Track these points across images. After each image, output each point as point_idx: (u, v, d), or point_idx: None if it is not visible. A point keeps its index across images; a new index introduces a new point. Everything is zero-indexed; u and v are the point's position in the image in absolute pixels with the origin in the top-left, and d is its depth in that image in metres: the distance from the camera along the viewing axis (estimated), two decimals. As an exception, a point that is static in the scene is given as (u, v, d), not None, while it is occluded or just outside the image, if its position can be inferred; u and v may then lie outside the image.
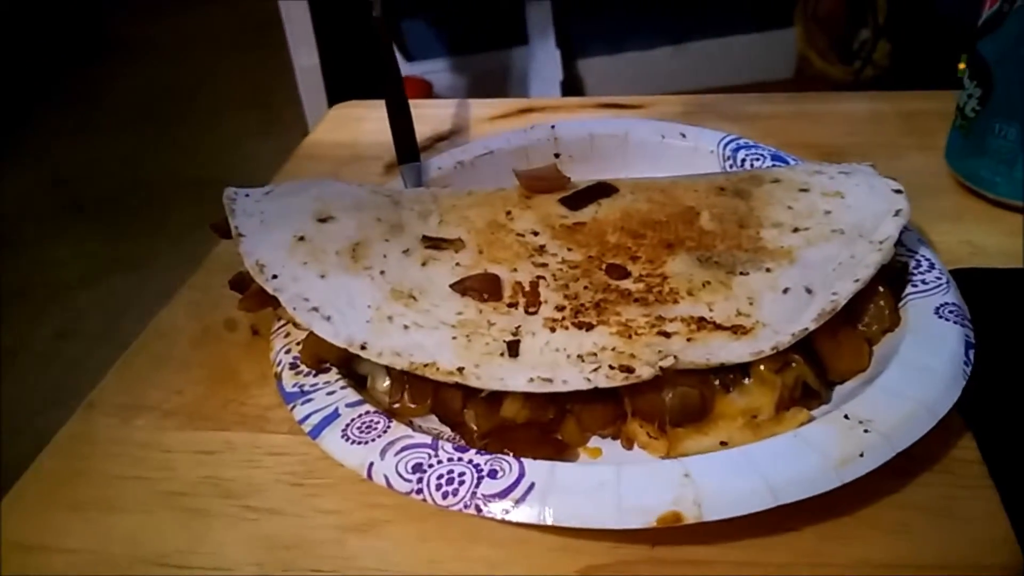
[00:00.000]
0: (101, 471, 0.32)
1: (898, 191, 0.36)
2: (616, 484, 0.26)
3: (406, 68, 1.85)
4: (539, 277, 0.34)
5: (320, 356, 0.32)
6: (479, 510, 0.26)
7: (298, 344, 0.34)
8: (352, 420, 0.30)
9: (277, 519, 0.30)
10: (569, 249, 0.35)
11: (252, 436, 0.33)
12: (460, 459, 0.27)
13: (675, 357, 0.30)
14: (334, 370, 0.32)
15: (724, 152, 0.44)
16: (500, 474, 0.27)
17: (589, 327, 0.31)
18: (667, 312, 0.32)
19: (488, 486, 0.26)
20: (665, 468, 0.27)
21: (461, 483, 0.27)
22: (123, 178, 1.91)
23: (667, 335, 0.31)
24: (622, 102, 0.57)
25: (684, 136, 0.46)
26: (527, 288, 0.33)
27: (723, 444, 0.29)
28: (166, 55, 2.44)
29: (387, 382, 0.33)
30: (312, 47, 1.74)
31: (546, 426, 0.31)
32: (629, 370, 0.29)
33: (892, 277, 0.34)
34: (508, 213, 0.38)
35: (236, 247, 0.35)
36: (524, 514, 0.26)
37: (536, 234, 0.36)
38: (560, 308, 0.32)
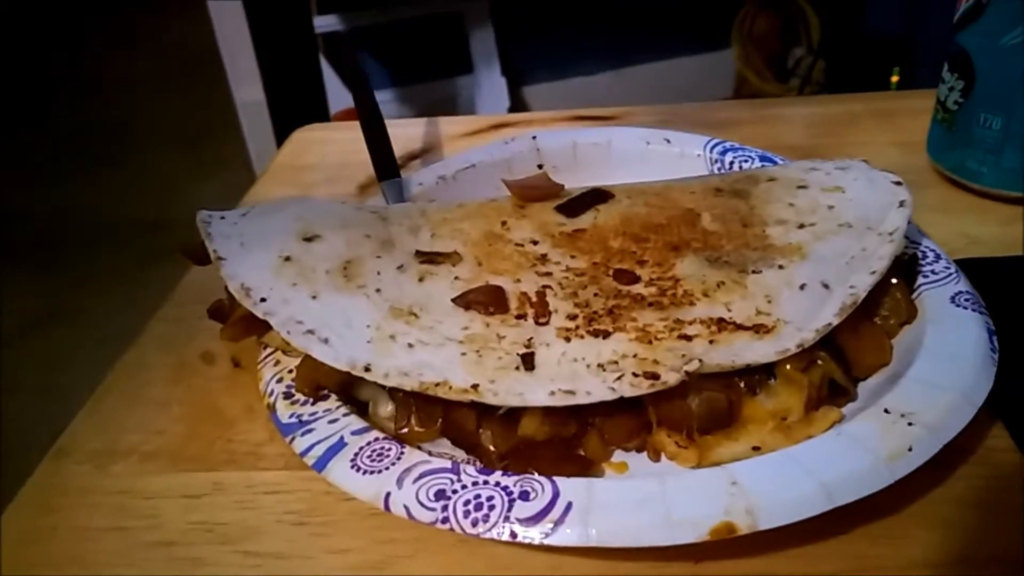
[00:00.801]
0: (76, 524, 0.29)
1: (898, 183, 0.36)
2: (661, 497, 0.24)
3: (349, 100, 1.84)
4: (545, 287, 0.32)
5: (317, 382, 0.30)
6: (514, 536, 0.24)
7: (290, 372, 0.31)
8: (361, 448, 0.27)
9: (282, 563, 0.27)
10: (572, 256, 0.34)
11: (244, 475, 0.31)
12: (486, 482, 0.25)
13: (700, 360, 0.28)
14: (333, 397, 0.30)
15: (711, 155, 0.44)
16: (533, 495, 0.25)
17: (606, 335, 0.29)
18: (684, 315, 0.30)
19: (521, 509, 0.24)
20: (710, 477, 0.25)
21: (491, 508, 0.24)
22: (54, 223, 1.83)
23: (688, 338, 0.29)
24: (596, 114, 0.56)
25: (669, 142, 0.45)
26: (534, 298, 0.31)
27: (756, 449, 0.28)
28: (99, 94, 2.37)
29: (390, 407, 0.30)
30: (256, 81, 1.71)
31: (568, 442, 0.29)
32: (654, 376, 0.28)
33: (902, 269, 0.33)
34: (503, 223, 0.36)
35: (217, 271, 0.32)
36: (565, 536, 0.23)
37: (536, 243, 0.35)
38: (572, 317, 0.30)
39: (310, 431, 0.28)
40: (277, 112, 1.52)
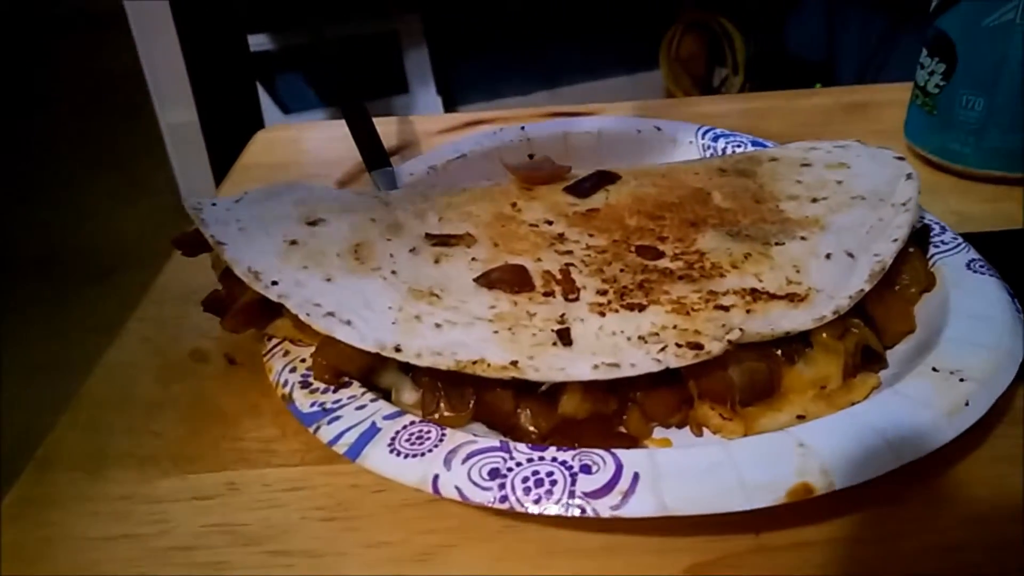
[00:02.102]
0: (76, 535, 0.26)
1: (900, 158, 0.36)
2: (730, 463, 0.23)
3: (284, 120, 1.80)
4: (568, 264, 0.31)
5: (338, 368, 0.28)
6: (583, 510, 0.22)
7: (303, 361, 0.29)
8: (398, 432, 0.26)
9: (317, 562, 0.25)
10: (591, 235, 0.33)
11: (258, 473, 0.28)
12: (542, 458, 0.24)
13: (741, 330, 0.28)
14: (355, 384, 0.28)
15: (704, 141, 0.44)
16: (595, 468, 0.23)
17: (641, 308, 0.29)
18: (717, 287, 0.30)
19: (586, 482, 0.23)
20: (777, 440, 0.24)
21: (553, 483, 0.23)
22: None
23: (725, 309, 0.29)
24: (570, 110, 0.55)
25: (660, 130, 0.45)
26: (559, 276, 0.30)
27: (800, 418, 0.27)
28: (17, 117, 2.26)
29: (414, 393, 0.29)
30: (183, 103, 1.66)
31: (609, 420, 0.28)
32: (698, 347, 0.27)
33: (917, 239, 0.33)
34: (513, 205, 0.35)
35: (208, 262, 0.30)
36: (637, 507, 0.22)
37: (550, 223, 0.34)
38: (602, 292, 0.29)
39: (337, 418, 0.26)
40: (211, 132, 1.47)
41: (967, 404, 0.25)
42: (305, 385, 0.28)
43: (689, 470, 0.23)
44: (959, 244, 0.33)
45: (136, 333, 0.36)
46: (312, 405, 0.27)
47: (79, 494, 0.28)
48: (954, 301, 0.30)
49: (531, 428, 0.27)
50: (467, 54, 1.97)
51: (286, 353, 0.30)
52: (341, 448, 0.26)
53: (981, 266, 0.32)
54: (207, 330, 0.35)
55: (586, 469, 0.23)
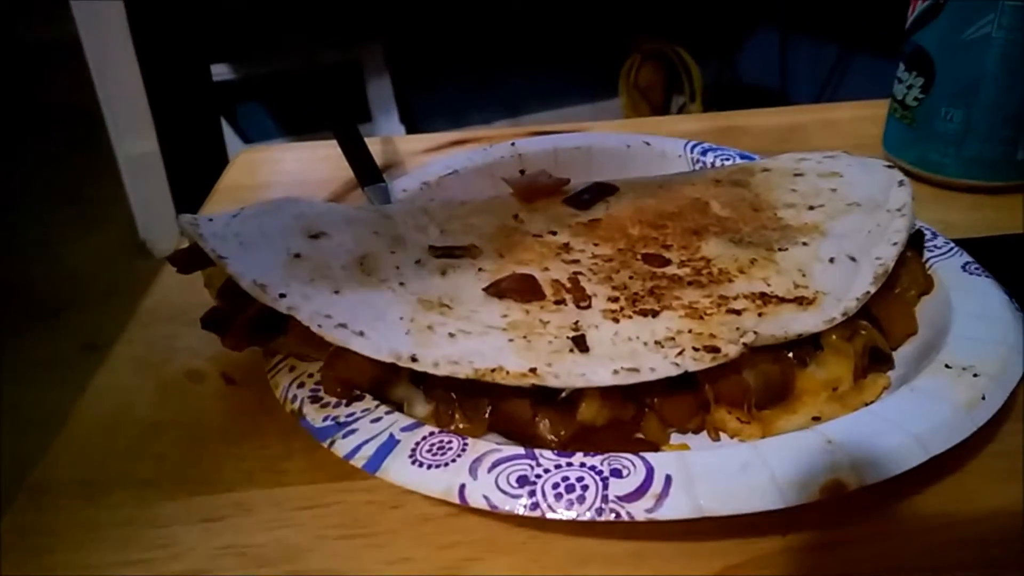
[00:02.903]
0: (80, 563, 0.25)
1: (889, 165, 0.37)
2: (762, 461, 0.23)
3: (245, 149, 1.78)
4: (576, 273, 0.31)
5: (350, 382, 0.28)
6: (617, 515, 0.22)
7: (311, 376, 0.29)
8: (418, 444, 0.25)
9: (337, 580, 0.24)
10: (595, 244, 0.33)
11: (268, 492, 0.27)
12: (570, 464, 0.24)
13: (755, 333, 0.28)
14: (368, 397, 0.27)
15: (692, 155, 0.44)
16: (626, 472, 0.23)
17: (654, 313, 0.29)
18: (727, 291, 0.30)
19: (618, 486, 0.23)
20: (805, 438, 0.24)
21: (584, 488, 0.23)
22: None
23: (737, 312, 0.29)
24: (549, 129, 0.56)
25: (649, 144, 0.45)
26: (568, 284, 0.30)
27: (815, 420, 0.28)
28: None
29: (427, 406, 0.28)
30: (141, 134, 1.63)
31: (627, 426, 0.28)
32: (715, 350, 0.27)
33: (913, 243, 0.34)
34: (515, 217, 0.35)
35: (224, 270, 0.29)
36: (672, 510, 0.22)
37: (554, 233, 0.34)
38: (614, 299, 0.29)
39: (352, 432, 0.26)
40: (173, 162, 1.45)
41: (983, 398, 0.25)
42: (315, 400, 0.28)
43: (721, 470, 0.23)
44: (952, 248, 0.34)
45: (126, 355, 0.35)
46: (325, 420, 0.27)
47: (80, 520, 0.26)
48: (955, 302, 0.30)
49: (550, 436, 0.27)
50: (430, 83, 1.99)
51: (292, 369, 0.29)
52: (359, 461, 0.25)
53: (976, 269, 0.32)
54: (200, 350, 0.34)
55: (616, 473, 0.23)
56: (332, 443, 0.26)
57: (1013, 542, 0.25)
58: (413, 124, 1.96)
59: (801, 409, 0.28)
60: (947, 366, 0.27)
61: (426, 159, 0.52)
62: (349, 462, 0.25)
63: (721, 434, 0.28)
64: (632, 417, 0.28)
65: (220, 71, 1.77)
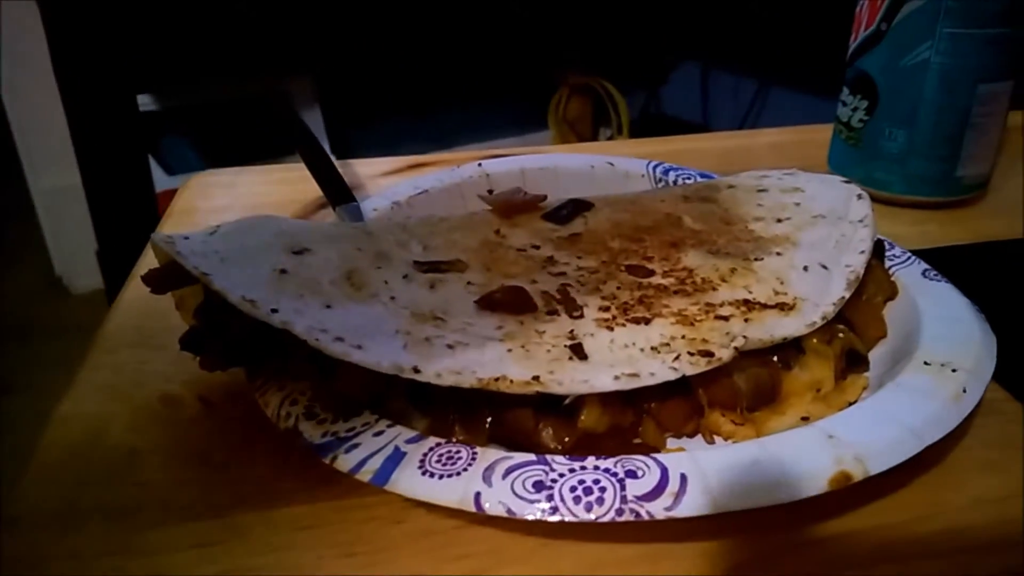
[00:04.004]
0: (65, 595, 0.23)
1: (847, 181, 0.39)
2: (770, 457, 0.24)
3: (168, 182, 1.74)
4: (565, 285, 0.31)
5: (347, 396, 0.27)
6: (637, 514, 0.22)
7: (303, 394, 0.28)
8: (425, 455, 0.25)
9: (347, 598, 0.23)
10: (579, 257, 0.33)
11: (262, 515, 0.26)
12: (584, 468, 0.24)
13: (744, 337, 0.29)
14: (366, 412, 0.27)
15: (655, 174, 0.45)
16: (640, 473, 0.23)
17: (646, 321, 0.29)
18: (712, 299, 0.31)
19: (635, 487, 0.23)
20: (806, 434, 0.25)
21: (602, 490, 0.23)
22: None
23: (725, 319, 0.29)
24: (505, 152, 0.56)
25: (612, 164, 0.46)
26: (558, 296, 0.31)
27: (804, 420, 0.29)
28: None
29: (423, 421, 0.28)
30: (58, 167, 1.57)
31: (626, 432, 0.28)
32: (709, 354, 0.28)
33: (875, 252, 0.36)
34: (497, 232, 0.35)
35: (209, 287, 0.28)
36: (691, 506, 0.22)
37: (537, 247, 0.34)
38: (604, 309, 0.30)
39: (355, 446, 0.25)
40: (95, 197, 1.39)
41: (965, 391, 0.26)
42: (311, 416, 0.27)
43: (733, 467, 0.23)
44: (910, 257, 0.36)
45: (92, 382, 0.33)
46: (324, 436, 0.26)
47: (59, 552, 0.25)
48: (922, 305, 0.32)
49: (554, 444, 0.27)
50: (360, 115, 1.98)
51: (282, 387, 0.28)
52: (365, 475, 0.24)
53: (935, 275, 0.34)
54: (171, 375, 0.33)
55: (632, 474, 0.23)
56: (334, 459, 0.25)
57: (997, 526, 0.26)
58: (344, 156, 1.94)
59: (789, 410, 0.29)
60: (926, 363, 0.28)
61: (385, 182, 0.52)
62: (353, 476, 0.25)
63: (716, 437, 0.29)
64: (631, 423, 0.28)
65: (143, 101, 1.72)
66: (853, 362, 0.31)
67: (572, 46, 2.12)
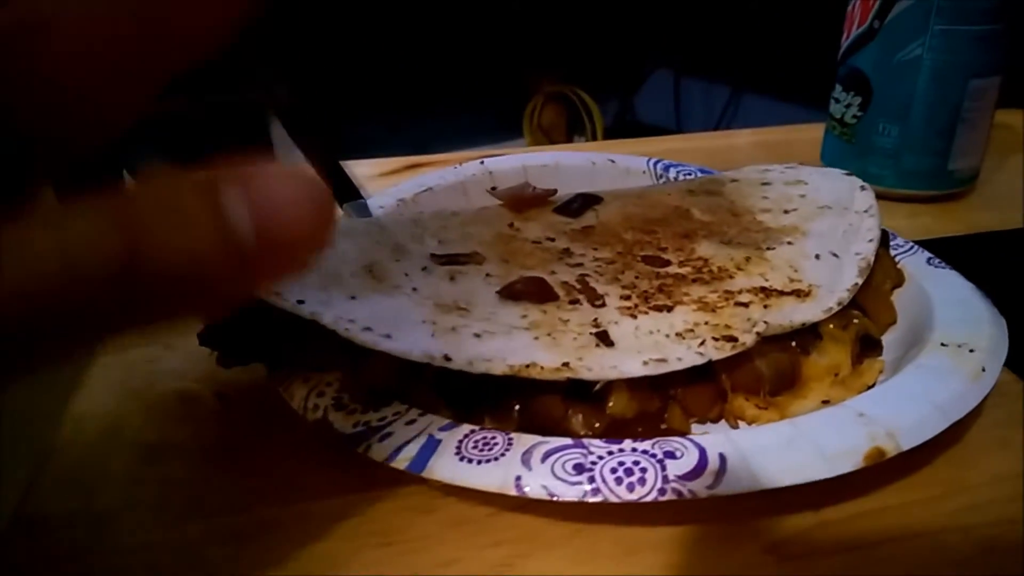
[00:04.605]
0: (98, 591, 0.23)
1: (848, 173, 0.40)
2: (805, 436, 0.24)
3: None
4: (583, 275, 0.31)
5: (377, 387, 0.27)
6: (679, 494, 0.22)
7: (329, 384, 0.28)
8: (461, 441, 0.25)
9: (387, 587, 0.23)
10: (594, 248, 0.34)
11: (292, 508, 0.26)
12: (622, 450, 0.24)
13: (766, 323, 0.29)
14: (395, 401, 0.27)
15: (656, 170, 0.46)
16: (679, 453, 0.23)
17: (668, 308, 0.29)
18: (730, 286, 0.31)
19: (675, 467, 0.23)
20: (837, 413, 0.25)
21: (643, 471, 0.23)
22: None
23: (745, 305, 0.30)
24: (496, 153, 0.57)
25: (613, 161, 0.47)
26: (578, 286, 0.31)
27: (825, 403, 0.29)
28: None
29: (449, 409, 0.28)
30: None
31: (652, 418, 0.28)
32: (733, 339, 0.28)
33: (881, 240, 0.36)
34: (511, 225, 0.35)
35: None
36: (732, 484, 0.23)
37: (552, 240, 0.34)
38: (626, 297, 0.30)
39: (388, 435, 0.25)
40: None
41: (983, 370, 0.27)
42: (339, 407, 0.27)
43: (770, 446, 0.24)
44: (913, 247, 0.37)
45: (103, 381, 0.33)
46: (355, 426, 0.26)
47: (85, 549, 0.24)
48: (930, 291, 0.33)
49: (583, 431, 0.27)
50: (334, 123, 1.97)
51: (307, 379, 0.28)
52: (401, 463, 0.24)
53: (939, 263, 0.35)
54: (184, 372, 0.33)
55: (670, 455, 0.23)
56: (367, 448, 0.25)
57: (1018, 501, 0.26)
58: (319, 166, 1.93)
59: (810, 394, 0.29)
60: (943, 344, 0.29)
61: (383, 182, 0.52)
62: (388, 465, 0.25)
63: (739, 423, 0.29)
64: (657, 409, 0.28)
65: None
66: (868, 347, 0.32)
67: (546, 54, 2.13)
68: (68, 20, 0.17)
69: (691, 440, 0.24)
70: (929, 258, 0.35)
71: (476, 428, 0.25)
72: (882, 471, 0.25)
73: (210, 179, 0.15)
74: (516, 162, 0.46)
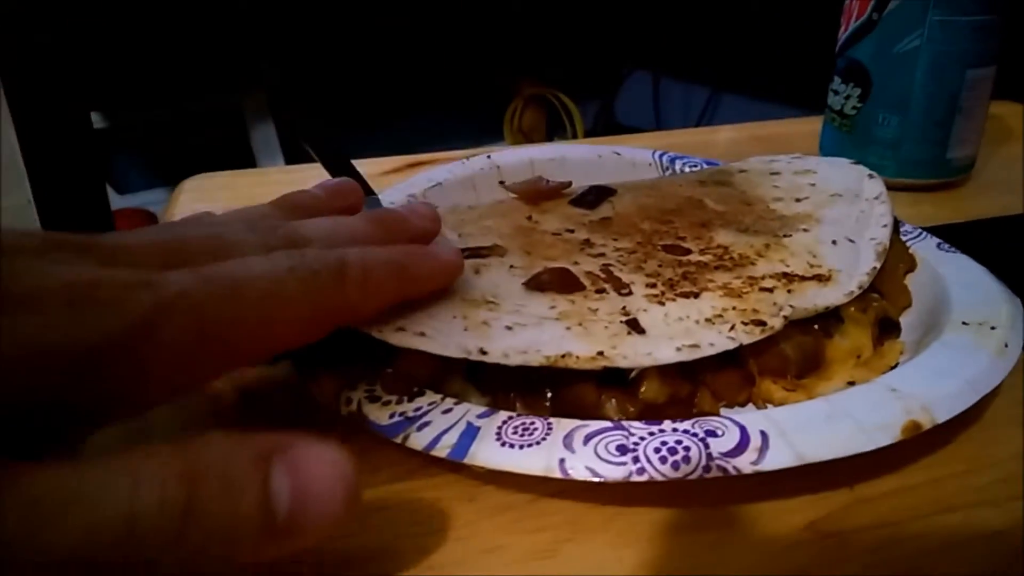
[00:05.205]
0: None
1: (855, 162, 0.40)
2: (843, 411, 0.24)
3: (120, 201, 1.69)
4: (606, 265, 0.32)
5: (412, 379, 0.27)
6: (724, 470, 0.23)
7: (360, 378, 0.28)
8: (500, 428, 0.25)
9: None
10: (614, 239, 0.34)
11: (329, 500, 0.26)
12: (662, 430, 0.24)
13: (791, 307, 0.29)
14: (428, 392, 0.27)
15: (662, 163, 0.46)
16: (720, 432, 0.24)
17: (695, 295, 0.30)
18: (753, 273, 0.31)
19: (718, 445, 0.23)
20: (871, 389, 0.26)
21: (687, 449, 0.23)
22: None
23: (769, 290, 0.30)
24: (497, 150, 0.57)
25: (619, 154, 0.47)
26: (603, 275, 0.31)
27: (850, 384, 0.29)
28: None
29: (482, 399, 0.28)
30: (17, 184, 1.50)
31: (683, 403, 0.28)
32: (762, 323, 0.28)
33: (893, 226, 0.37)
34: (529, 218, 0.35)
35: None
36: (776, 459, 0.23)
37: (572, 231, 0.34)
38: (651, 285, 0.30)
39: (426, 424, 0.25)
40: (49, 216, 1.35)
41: (1006, 346, 0.28)
42: (373, 400, 0.27)
43: (809, 422, 0.24)
44: (921, 233, 0.37)
45: (123, 381, 0.32)
46: (392, 417, 0.26)
47: (129, 545, 0.24)
48: (944, 274, 0.33)
49: (617, 417, 0.27)
50: (318, 128, 1.96)
51: (336, 373, 0.28)
52: (442, 451, 0.24)
53: (949, 248, 0.36)
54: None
55: (711, 433, 0.24)
56: (406, 438, 0.25)
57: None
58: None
59: (835, 376, 0.30)
60: (964, 323, 0.29)
61: (389, 180, 0.52)
62: (429, 453, 0.25)
63: (767, 406, 0.29)
64: (687, 394, 0.28)
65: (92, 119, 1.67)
66: (887, 329, 0.32)
67: (526, 57, 2.13)
68: None
69: (730, 419, 0.24)
70: (939, 243, 0.36)
71: (513, 415, 0.25)
72: (908, 449, 0.26)
73: (264, 453, 0.17)
74: (523, 156, 0.46)
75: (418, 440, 0.25)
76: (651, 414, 0.27)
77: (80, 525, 0.15)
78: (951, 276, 0.33)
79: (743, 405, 0.29)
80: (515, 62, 2.13)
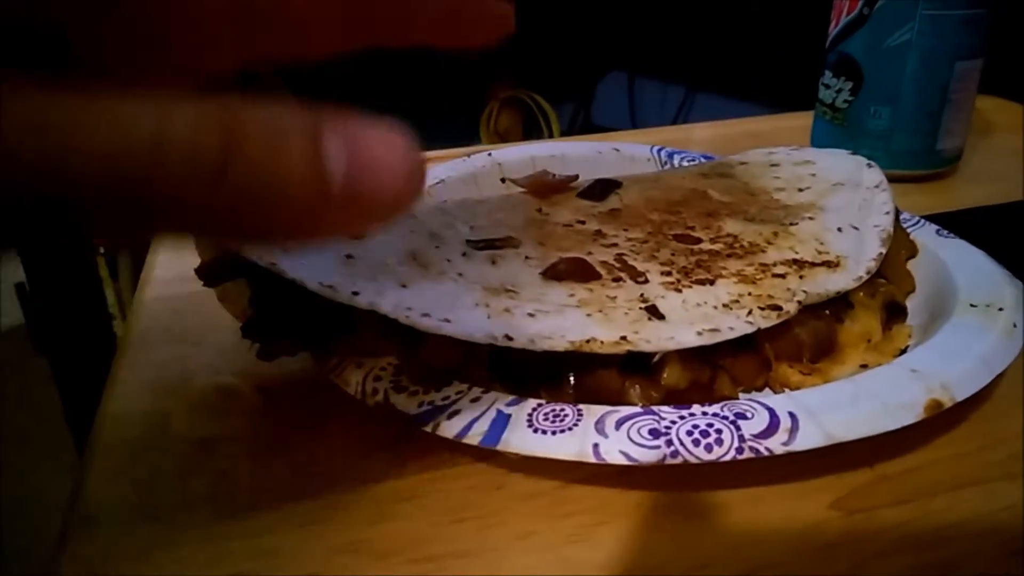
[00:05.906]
0: (178, 581, 0.23)
1: (852, 152, 0.41)
2: (868, 392, 0.25)
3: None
4: (620, 254, 0.32)
5: (437, 368, 0.27)
6: (756, 452, 0.23)
7: (384, 368, 0.28)
8: (530, 415, 0.25)
9: (468, 562, 0.23)
10: (625, 229, 0.34)
11: (359, 492, 0.26)
12: (692, 414, 0.24)
13: (804, 292, 0.30)
14: (455, 382, 0.27)
15: (660, 157, 0.47)
16: (749, 414, 0.24)
17: (711, 282, 0.30)
18: (765, 260, 0.32)
19: (748, 427, 0.24)
20: (891, 370, 0.26)
21: (719, 432, 0.24)
22: None
23: (782, 276, 0.31)
24: (490, 149, 0.57)
25: (618, 150, 0.47)
26: (618, 264, 0.31)
27: (863, 367, 0.30)
28: None
29: (504, 388, 0.28)
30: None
31: (703, 387, 0.29)
32: (778, 308, 0.29)
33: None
34: (539, 210, 0.35)
35: (283, 275, 0.28)
36: (806, 440, 0.23)
37: (583, 223, 0.35)
38: (666, 273, 0.31)
39: (456, 412, 0.25)
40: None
41: (1015, 325, 0.28)
42: (399, 390, 0.27)
43: (835, 403, 0.25)
44: (919, 220, 0.38)
45: (134, 380, 0.32)
46: (420, 406, 0.26)
47: (151, 543, 0.24)
48: (946, 258, 0.34)
49: (641, 402, 0.27)
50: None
51: (360, 364, 0.28)
52: (474, 438, 0.24)
53: (948, 234, 0.37)
54: (220, 367, 0.33)
55: (741, 416, 0.24)
56: (436, 427, 0.25)
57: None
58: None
59: (848, 360, 0.30)
60: (972, 305, 0.30)
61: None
62: (460, 441, 0.25)
63: (785, 389, 0.30)
64: (708, 379, 0.29)
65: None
66: (894, 313, 0.33)
67: (501, 59, 2.14)
68: None
69: (758, 401, 0.25)
70: (938, 230, 0.37)
71: (541, 402, 0.26)
72: (923, 428, 0.26)
73: (319, 121, 0.15)
74: (524, 153, 0.46)
75: (449, 428, 0.25)
76: (673, 400, 0.28)
77: (94, 148, 0.13)
78: (952, 261, 0.34)
79: (760, 390, 0.30)
80: (490, 64, 2.14)
